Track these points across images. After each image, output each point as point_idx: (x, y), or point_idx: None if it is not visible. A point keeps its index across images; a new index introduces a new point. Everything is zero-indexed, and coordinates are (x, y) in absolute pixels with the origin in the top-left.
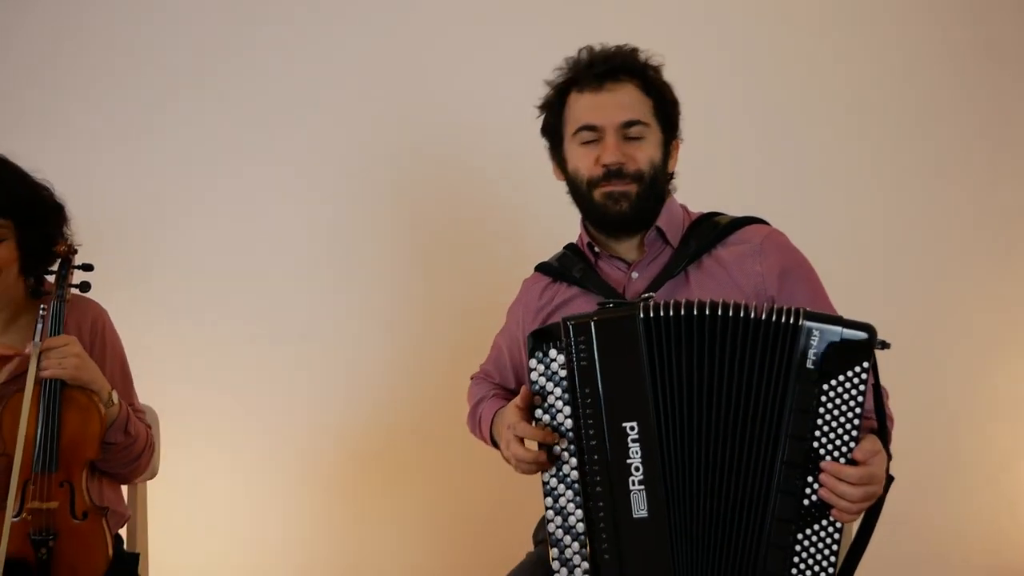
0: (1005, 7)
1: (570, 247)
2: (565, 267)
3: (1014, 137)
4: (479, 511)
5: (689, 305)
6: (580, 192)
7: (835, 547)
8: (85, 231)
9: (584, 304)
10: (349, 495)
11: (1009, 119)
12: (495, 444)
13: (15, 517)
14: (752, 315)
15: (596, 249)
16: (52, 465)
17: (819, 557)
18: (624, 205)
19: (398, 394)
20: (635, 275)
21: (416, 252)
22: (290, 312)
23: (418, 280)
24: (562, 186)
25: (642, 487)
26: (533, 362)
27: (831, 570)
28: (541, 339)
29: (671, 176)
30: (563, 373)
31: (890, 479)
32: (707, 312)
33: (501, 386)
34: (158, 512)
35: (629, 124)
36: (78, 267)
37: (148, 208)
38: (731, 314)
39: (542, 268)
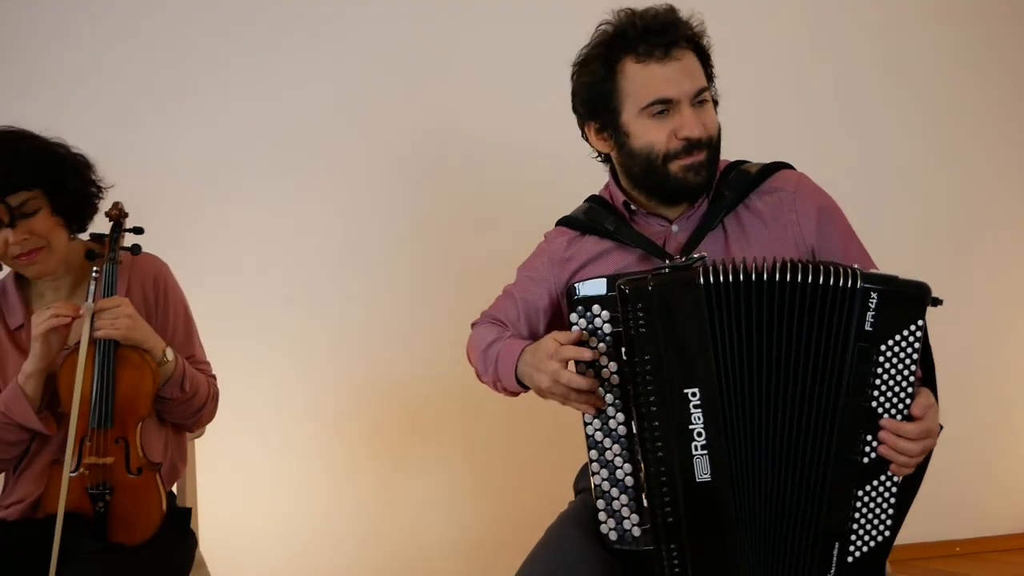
0: None
1: (596, 200)
2: (594, 220)
3: None
4: (518, 463)
5: (748, 269)
6: (652, 166)
7: (893, 500)
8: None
9: (621, 258)
10: (393, 450)
11: None
12: (520, 384)
13: (72, 472)
14: (811, 279)
15: (632, 207)
16: (108, 421)
17: (878, 511)
18: (702, 174)
19: (438, 354)
20: (675, 228)
21: (456, 220)
22: (334, 275)
23: (458, 246)
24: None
25: (705, 452)
26: (575, 316)
27: (889, 522)
28: (584, 292)
29: None
30: (607, 328)
31: (939, 428)
32: (766, 277)
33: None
34: (204, 469)
35: (699, 92)
36: (129, 230)
37: (195, 175)
38: (789, 279)
39: (566, 222)
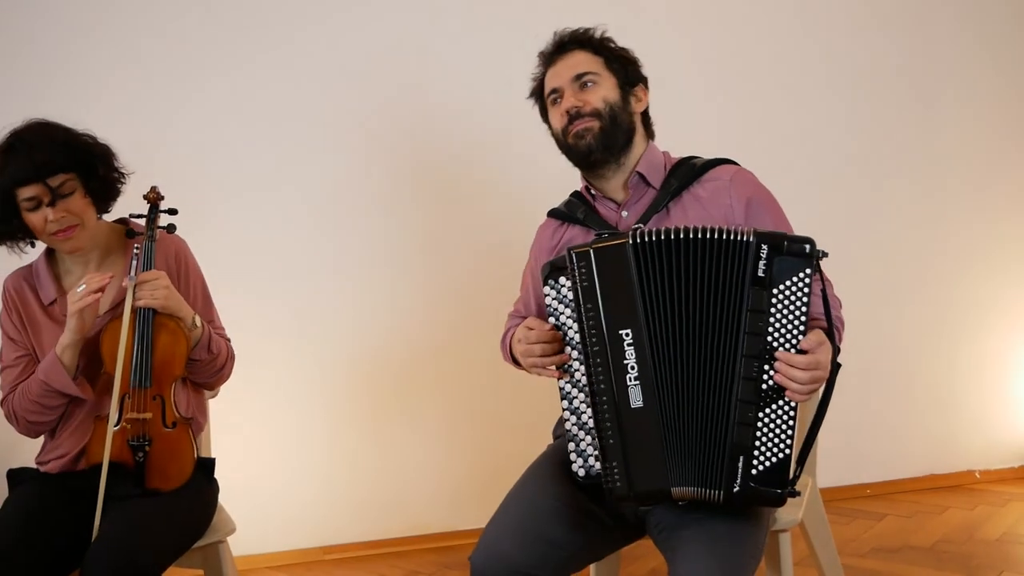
0: None
1: (575, 194)
2: (571, 211)
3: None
4: (497, 419)
5: (667, 231)
6: (561, 143)
7: (791, 422)
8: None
9: (586, 237)
10: (383, 406)
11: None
12: (516, 363)
13: (115, 426)
14: (715, 236)
15: (592, 192)
16: (147, 381)
17: (778, 431)
18: (588, 138)
19: (423, 319)
20: (625, 213)
21: (439, 195)
22: (326, 251)
23: (439, 222)
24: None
25: (637, 382)
26: (547, 288)
27: (789, 441)
28: (552, 270)
29: (645, 118)
30: (571, 296)
31: (837, 366)
32: (680, 236)
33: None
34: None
35: (579, 76)
36: (164, 211)
37: (196, 150)
38: (699, 236)
39: (553, 214)
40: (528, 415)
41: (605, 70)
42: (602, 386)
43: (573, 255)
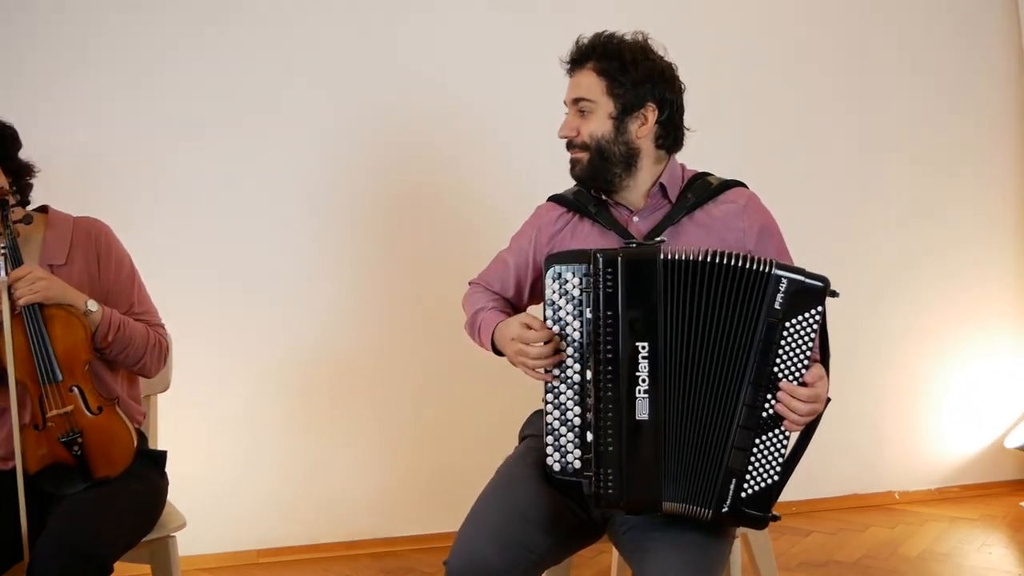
0: None
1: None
2: (581, 202)
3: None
4: (433, 427)
5: (696, 252)
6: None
7: (784, 450)
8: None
9: (597, 236)
10: (318, 410)
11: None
12: (495, 351)
13: (40, 429)
14: (739, 264)
15: (604, 197)
16: (55, 375)
17: (770, 458)
18: (576, 168)
19: (357, 325)
20: (636, 219)
21: (382, 203)
22: (260, 256)
23: (381, 227)
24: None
25: (646, 396)
26: (549, 279)
27: (779, 468)
28: (559, 261)
29: (666, 132)
30: (575, 292)
31: (827, 401)
32: (709, 259)
33: (500, 295)
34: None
35: (577, 101)
36: (16, 204)
37: (144, 152)
38: (726, 262)
39: (557, 199)
40: (464, 424)
41: (605, 96)
42: (609, 393)
43: (600, 258)
